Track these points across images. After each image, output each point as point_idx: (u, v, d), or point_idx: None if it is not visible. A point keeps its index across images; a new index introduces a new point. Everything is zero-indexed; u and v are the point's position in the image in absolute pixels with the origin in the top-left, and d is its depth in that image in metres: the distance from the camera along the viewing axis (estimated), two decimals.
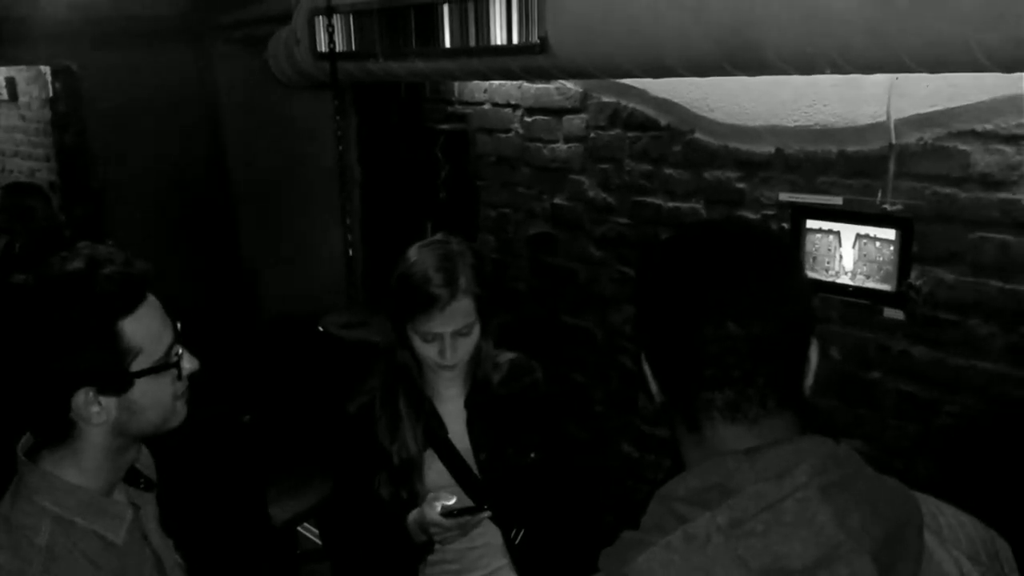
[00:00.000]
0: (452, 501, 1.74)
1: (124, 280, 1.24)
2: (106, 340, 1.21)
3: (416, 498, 1.79)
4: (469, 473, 1.84)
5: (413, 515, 1.77)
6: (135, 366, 1.24)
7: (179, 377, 1.30)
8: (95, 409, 1.22)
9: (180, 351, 1.31)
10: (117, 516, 1.28)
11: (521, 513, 1.87)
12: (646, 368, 0.94)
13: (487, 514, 1.74)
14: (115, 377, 1.23)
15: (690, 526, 0.79)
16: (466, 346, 1.77)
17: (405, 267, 1.75)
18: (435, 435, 1.83)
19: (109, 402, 1.23)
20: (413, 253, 1.77)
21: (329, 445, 1.96)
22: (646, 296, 0.94)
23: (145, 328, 1.25)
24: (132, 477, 1.36)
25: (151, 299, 1.28)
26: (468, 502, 1.79)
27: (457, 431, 1.86)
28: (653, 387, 0.94)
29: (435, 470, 1.83)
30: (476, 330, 1.77)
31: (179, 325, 1.32)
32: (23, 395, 1.23)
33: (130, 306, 1.24)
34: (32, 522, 1.20)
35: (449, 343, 1.73)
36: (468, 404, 1.87)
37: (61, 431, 1.24)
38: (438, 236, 1.84)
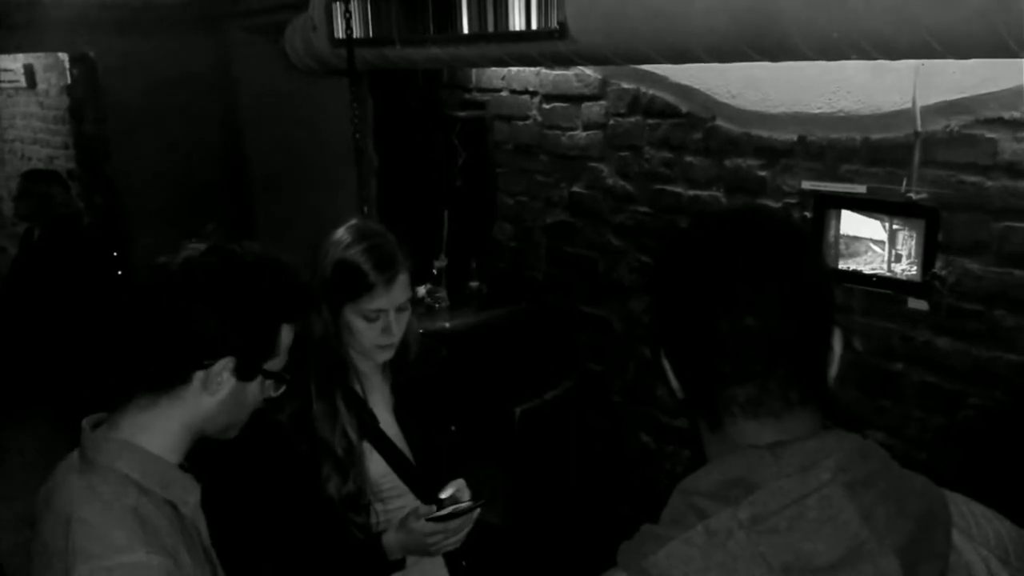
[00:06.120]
0: (440, 507, 1.73)
1: (305, 293, 1.38)
2: (270, 332, 1.31)
3: (362, 491, 1.79)
4: (405, 461, 1.86)
5: (392, 535, 1.75)
6: (267, 365, 1.32)
7: (269, 394, 1.37)
8: (221, 378, 1.26)
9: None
10: (188, 488, 1.31)
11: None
12: (665, 364, 0.92)
13: (479, 506, 1.74)
14: (254, 364, 1.30)
15: (711, 521, 0.77)
16: (404, 321, 1.80)
17: (340, 252, 1.75)
18: (368, 427, 1.84)
19: (230, 382, 1.28)
20: (343, 237, 1.77)
21: (261, 465, 1.80)
22: (663, 290, 0.92)
23: (287, 340, 1.35)
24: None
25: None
26: (411, 495, 1.83)
27: (386, 419, 1.87)
28: (674, 383, 0.92)
29: (374, 462, 1.84)
30: (409, 305, 1.81)
31: None
32: (184, 331, 1.24)
33: (294, 316, 1.35)
34: (117, 488, 1.21)
35: (394, 318, 1.76)
36: (395, 389, 1.90)
37: (176, 379, 1.25)
38: (354, 220, 1.83)
